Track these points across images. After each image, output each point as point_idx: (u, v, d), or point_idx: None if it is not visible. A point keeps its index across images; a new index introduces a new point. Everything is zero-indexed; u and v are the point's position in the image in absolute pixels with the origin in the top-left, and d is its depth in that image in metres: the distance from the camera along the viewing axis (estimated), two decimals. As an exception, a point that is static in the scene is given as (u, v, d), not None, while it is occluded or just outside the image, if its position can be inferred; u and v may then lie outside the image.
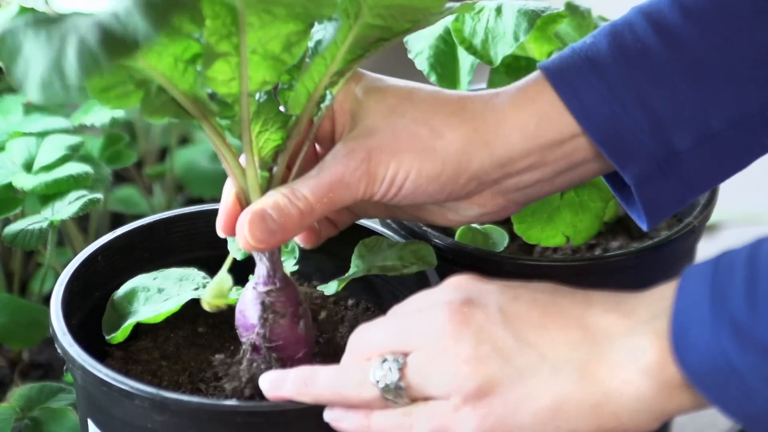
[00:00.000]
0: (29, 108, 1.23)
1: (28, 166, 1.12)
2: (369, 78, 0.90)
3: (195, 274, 0.95)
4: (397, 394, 0.79)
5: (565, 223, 1.06)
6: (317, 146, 0.92)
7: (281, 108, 0.87)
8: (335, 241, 0.97)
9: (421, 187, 0.88)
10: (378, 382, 0.79)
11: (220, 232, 0.90)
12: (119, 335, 0.92)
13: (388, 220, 1.05)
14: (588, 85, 0.88)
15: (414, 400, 0.79)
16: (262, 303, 0.88)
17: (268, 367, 0.87)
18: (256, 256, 0.88)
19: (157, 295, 0.93)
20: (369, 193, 0.87)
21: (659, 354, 0.74)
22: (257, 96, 0.85)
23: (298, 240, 0.94)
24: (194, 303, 0.92)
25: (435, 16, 0.87)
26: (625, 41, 0.89)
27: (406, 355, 0.79)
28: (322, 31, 0.86)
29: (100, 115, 1.19)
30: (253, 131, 0.85)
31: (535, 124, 0.89)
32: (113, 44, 0.66)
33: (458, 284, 0.81)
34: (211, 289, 0.87)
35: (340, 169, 0.86)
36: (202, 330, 0.98)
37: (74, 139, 1.14)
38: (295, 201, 0.85)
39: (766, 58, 0.88)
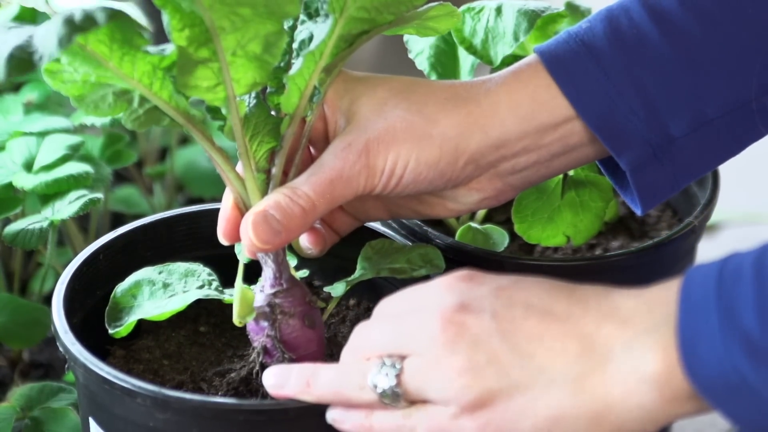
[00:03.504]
0: (29, 108, 1.23)
1: (28, 166, 1.12)
2: (356, 76, 0.90)
3: (200, 270, 0.94)
4: (395, 398, 0.79)
5: (565, 222, 1.06)
6: (311, 149, 0.92)
7: (272, 113, 0.87)
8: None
9: (420, 175, 0.88)
10: (376, 387, 0.79)
11: (222, 240, 0.90)
12: (123, 330, 0.91)
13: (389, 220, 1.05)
14: (584, 70, 0.88)
15: (413, 402, 0.79)
16: (271, 305, 0.88)
17: None
18: (262, 260, 0.88)
19: (162, 290, 0.93)
20: (369, 186, 0.87)
21: (664, 366, 0.73)
22: (247, 101, 0.85)
23: (307, 245, 0.94)
24: (196, 302, 0.92)
25: (417, 10, 0.87)
26: (621, 26, 0.89)
27: (403, 358, 0.78)
28: (305, 31, 0.87)
29: (100, 115, 1.19)
30: (246, 136, 0.85)
31: (529, 106, 0.89)
32: (17, 61, 0.74)
33: (451, 285, 0.80)
34: (238, 306, 0.87)
35: (339, 164, 0.86)
36: (203, 329, 0.98)
37: (74, 139, 1.14)
38: (297, 199, 0.85)
39: (761, 44, 0.88)
